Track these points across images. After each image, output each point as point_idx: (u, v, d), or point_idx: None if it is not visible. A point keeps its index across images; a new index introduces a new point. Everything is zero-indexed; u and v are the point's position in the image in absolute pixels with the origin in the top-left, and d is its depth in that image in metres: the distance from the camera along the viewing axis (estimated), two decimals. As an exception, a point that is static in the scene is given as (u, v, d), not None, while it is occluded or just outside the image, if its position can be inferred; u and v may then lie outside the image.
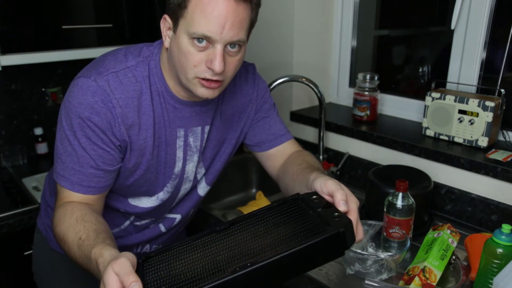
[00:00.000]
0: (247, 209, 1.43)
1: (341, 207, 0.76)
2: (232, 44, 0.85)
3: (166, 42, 0.90)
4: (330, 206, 0.78)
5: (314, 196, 0.81)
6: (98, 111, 0.87)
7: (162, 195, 1.05)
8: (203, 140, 1.04)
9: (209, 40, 0.83)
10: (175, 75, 0.92)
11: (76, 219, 0.84)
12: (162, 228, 1.14)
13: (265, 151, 1.13)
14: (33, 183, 1.58)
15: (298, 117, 1.78)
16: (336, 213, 0.73)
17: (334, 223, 0.70)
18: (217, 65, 0.84)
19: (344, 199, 0.77)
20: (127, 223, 1.09)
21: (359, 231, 0.77)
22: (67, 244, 0.82)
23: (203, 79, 0.87)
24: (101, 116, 0.87)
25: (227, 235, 0.75)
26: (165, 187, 1.04)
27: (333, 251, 0.71)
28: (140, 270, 0.70)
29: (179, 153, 1.01)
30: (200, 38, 0.83)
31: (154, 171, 0.99)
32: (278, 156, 1.13)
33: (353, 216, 0.77)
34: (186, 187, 1.08)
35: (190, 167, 1.05)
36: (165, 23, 0.89)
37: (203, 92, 0.89)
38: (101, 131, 0.88)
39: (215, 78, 0.86)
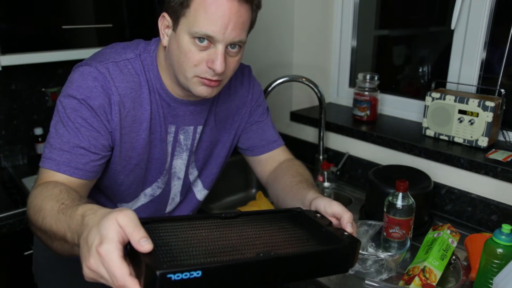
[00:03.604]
0: (247, 209, 1.43)
1: (349, 229, 0.78)
2: (233, 44, 0.86)
3: (165, 40, 0.90)
4: (331, 226, 0.80)
5: (318, 214, 0.83)
6: (97, 95, 0.87)
7: (150, 191, 1.04)
8: (194, 140, 1.04)
9: (211, 40, 0.83)
10: (172, 73, 0.92)
11: (60, 190, 0.77)
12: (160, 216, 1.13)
13: (257, 156, 1.15)
14: (33, 183, 1.57)
15: (298, 117, 1.78)
16: (346, 233, 0.75)
17: (346, 239, 0.72)
18: (219, 65, 0.84)
19: (351, 222, 0.79)
20: None
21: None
22: (43, 211, 0.73)
23: (203, 78, 0.87)
24: (98, 100, 0.87)
25: (235, 225, 0.74)
26: (155, 182, 1.03)
27: (342, 264, 0.72)
28: None
29: (168, 149, 1.01)
30: (201, 38, 0.83)
31: (144, 166, 0.99)
32: (269, 162, 1.14)
33: None
34: (175, 184, 1.08)
35: (178, 164, 1.05)
36: (164, 21, 0.89)
37: (202, 90, 0.89)
38: (96, 114, 0.87)
39: (215, 78, 0.87)
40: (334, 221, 0.81)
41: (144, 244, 0.55)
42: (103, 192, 1.02)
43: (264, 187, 1.16)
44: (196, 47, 0.84)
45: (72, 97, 0.87)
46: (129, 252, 0.58)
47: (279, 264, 0.63)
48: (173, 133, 1.00)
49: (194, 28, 0.82)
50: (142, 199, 1.05)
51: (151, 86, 0.94)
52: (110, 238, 0.55)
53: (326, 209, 0.82)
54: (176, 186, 1.09)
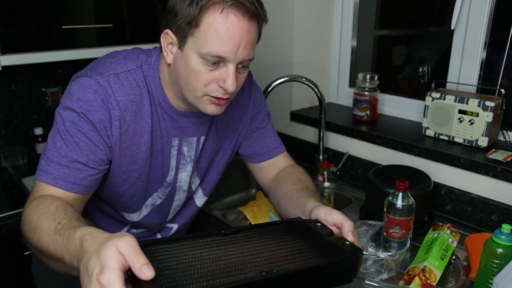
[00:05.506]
0: (247, 209, 1.43)
1: (350, 238, 0.78)
2: (243, 62, 0.85)
3: (169, 58, 0.87)
4: (333, 235, 0.80)
5: (318, 224, 0.82)
6: (97, 109, 0.85)
7: (151, 201, 1.04)
8: (198, 150, 1.03)
9: (221, 59, 0.82)
10: (177, 90, 0.91)
11: (56, 207, 0.76)
12: (159, 237, 1.14)
13: (258, 163, 1.14)
14: (33, 183, 1.58)
15: (298, 117, 1.78)
16: (347, 242, 0.75)
17: (347, 249, 0.72)
18: (231, 85, 0.83)
19: (352, 230, 0.79)
20: (123, 231, 1.08)
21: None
22: (39, 230, 0.72)
23: (213, 97, 0.86)
24: (98, 115, 0.85)
25: (235, 241, 0.74)
26: (155, 192, 1.03)
27: (345, 275, 0.72)
28: None
29: (172, 162, 1.00)
30: (211, 58, 0.82)
31: (145, 179, 0.98)
32: (270, 169, 1.14)
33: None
34: (180, 197, 1.08)
35: (183, 176, 1.04)
36: (167, 37, 0.86)
37: (212, 109, 0.88)
38: (96, 129, 0.86)
39: (226, 96, 0.86)
40: (335, 230, 0.81)
41: (145, 272, 0.55)
42: (106, 201, 1.01)
43: (265, 193, 1.15)
44: (206, 67, 0.83)
45: (71, 110, 0.84)
46: (129, 278, 0.57)
47: (282, 281, 0.63)
48: (176, 146, 0.99)
49: (204, 48, 0.81)
50: (144, 211, 1.05)
51: (152, 98, 0.92)
52: (111, 267, 0.54)
53: (327, 218, 0.82)
54: (181, 199, 1.09)
